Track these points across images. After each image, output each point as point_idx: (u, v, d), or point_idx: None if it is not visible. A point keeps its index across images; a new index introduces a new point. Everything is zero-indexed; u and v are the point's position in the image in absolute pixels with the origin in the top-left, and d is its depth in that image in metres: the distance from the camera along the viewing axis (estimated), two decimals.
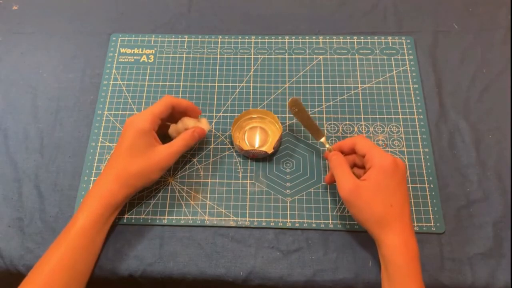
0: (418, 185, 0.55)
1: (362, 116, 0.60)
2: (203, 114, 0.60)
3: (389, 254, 0.44)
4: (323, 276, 0.50)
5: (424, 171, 0.56)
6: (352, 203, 0.46)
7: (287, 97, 0.61)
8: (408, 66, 0.63)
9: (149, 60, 0.65)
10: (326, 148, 0.53)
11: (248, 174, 0.56)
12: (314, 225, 0.53)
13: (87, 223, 0.47)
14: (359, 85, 0.62)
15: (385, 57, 0.64)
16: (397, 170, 0.47)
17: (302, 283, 0.50)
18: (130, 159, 0.49)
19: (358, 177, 0.49)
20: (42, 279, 0.45)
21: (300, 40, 0.66)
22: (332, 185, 0.55)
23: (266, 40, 0.66)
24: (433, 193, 0.55)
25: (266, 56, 0.65)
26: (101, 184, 0.49)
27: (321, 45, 0.65)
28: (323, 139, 0.55)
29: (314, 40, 0.66)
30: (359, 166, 0.52)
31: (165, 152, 0.51)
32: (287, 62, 0.64)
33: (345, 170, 0.48)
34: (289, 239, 0.53)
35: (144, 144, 0.50)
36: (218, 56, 0.65)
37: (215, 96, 0.62)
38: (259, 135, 0.58)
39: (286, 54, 0.65)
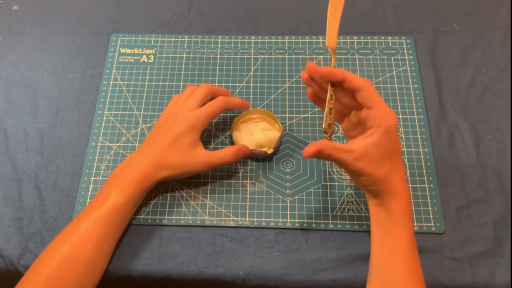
0: (418, 185, 0.55)
1: None
2: None
3: (390, 202, 0.45)
4: (323, 276, 0.50)
5: (424, 171, 0.56)
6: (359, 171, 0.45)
7: (287, 97, 0.61)
8: (408, 66, 0.63)
9: (149, 60, 0.65)
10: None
11: (248, 174, 0.56)
12: (314, 225, 0.53)
13: (123, 201, 0.48)
14: None
15: (385, 57, 0.64)
16: (395, 126, 0.44)
17: (301, 283, 0.50)
18: (170, 151, 0.51)
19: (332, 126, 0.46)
20: (69, 248, 0.45)
21: (300, 40, 0.66)
22: (332, 185, 0.55)
23: (266, 40, 0.66)
24: (433, 193, 0.55)
25: (266, 56, 0.65)
26: (137, 167, 0.50)
27: (321, 45, 0.65)
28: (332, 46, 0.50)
29: (314, 40, 0.66)
30: (341, 111, 0.48)
31: (204, 159, 0.52)
32: (287, 62, 0.64)
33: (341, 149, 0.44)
34: (289, 239, 0.53)
35: (188, 141, 0.51)
36: (218, 56, 0.65)
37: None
38: None
39: (286, 54, 0.65)
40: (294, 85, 0.62)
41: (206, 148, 0.55)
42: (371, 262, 0.47)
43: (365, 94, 0.44)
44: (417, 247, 0.45)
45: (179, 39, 0.67)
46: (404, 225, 0.45)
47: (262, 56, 0.65)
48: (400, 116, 0.59)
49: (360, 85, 0.44)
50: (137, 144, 0.59)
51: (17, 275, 0.51)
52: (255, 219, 0.54)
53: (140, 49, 0.66)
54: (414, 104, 0.60)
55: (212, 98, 0.56)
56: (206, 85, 0.56)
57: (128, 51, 0.66)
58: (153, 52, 0.66)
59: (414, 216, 0.53)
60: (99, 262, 0.47)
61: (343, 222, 0.53)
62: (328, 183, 0.55)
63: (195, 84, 0.63)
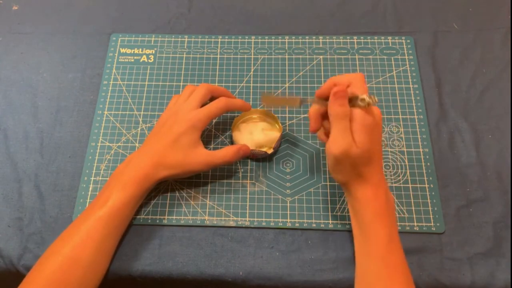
0: (418, 185, 0.55)
1: None
2: None
3: (359, 204, 0.46)
4: (323, 276, 0.50)
5: (424, 171, 0.56)
6: (338, 162, 0.45)
7: (287, 97, 0.61)
8: (408, 66, 0.63)
9: (149, 60, 0.65)
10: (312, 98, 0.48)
11: (248, 174, 0.56)
12: (314, 225, 0.53)
13: (123, 201, 0.48)
14: None
15: (385, 57, 0.64)
16: (377, 127, 0.45)
17: (301, 283, 0.50)
18: (171, 150, 0.51)
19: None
20: (70, 248, 0.45)
21: (300, 40, 0.66)
22: (332, 185, 0.55)
23: (266, 40, 0.66)
24: (433, 193, 0.55)
25: (266, 56, 0.65)
26: (137, 167, 0.50)
27: (321, 45, 0.65)
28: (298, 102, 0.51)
29: (314, 40, 0.66)
30: None
31: (204, 159, 0.52)
32: (287, 62, 0.64)
33: (347, 125, 0.44)
34: (289, 239, 0.53)
35: (188, 141, 0.51)
36: (218, 56, 0.65)
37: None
38: None
39: (286, 54, 0.65)
40: (294, 85, 0.62)
41: (206, 148, 0.55)
42: (355, 263, 0.47)
43: (353, 89, 0.45)
44: (396, 248, 0.45)
45: (179, 39, 0.67)
46: (378, 227, 0.45)
47: (262, 56, 0.65)
48: (400, 116, 0.59)
49: (349, 80, 0.46)
50: (137, 144, 0.59)
51: (17, 275, 0.51)
52: (255, 219, 0.54)
53: (140, 49, 0.66)
54: (414, 104, 0.60)
55: (212, 98, 0.56)
56: (205, 84, 0.56)
57: (128, 51, 0.66)
58: (153, 52, 0.66)
59: (414, 216, 0.53)
60: (100, 262, 0.47)
61: (343, 222, 0.53)
62: (328, 183, 0.55)
63: (195, 84, 0.63)
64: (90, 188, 0.56)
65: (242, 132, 0.58)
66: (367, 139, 0.44)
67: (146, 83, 0.63)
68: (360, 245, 0.47)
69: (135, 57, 0.65)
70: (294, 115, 0.60)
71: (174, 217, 0.54)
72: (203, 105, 0.54)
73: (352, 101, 0.45)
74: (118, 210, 0.48)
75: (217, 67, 0.64)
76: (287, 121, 0.60)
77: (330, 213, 0.54)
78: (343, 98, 0.44)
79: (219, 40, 0.66)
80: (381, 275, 0.44)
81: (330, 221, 0.53)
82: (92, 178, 0.56)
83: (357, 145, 0.44)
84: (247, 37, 0.66)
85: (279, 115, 0.60)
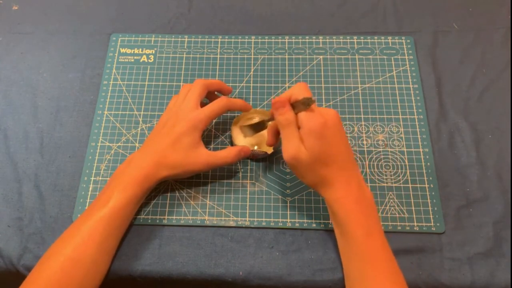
0: (418, 185, 0.55)
1: (362, 116, 0.60)
2: None
3: (331, 206, 0.46)
4: (323, 276, 0.50)
5: (424, 171, 0.56)
6: (294, 168, 0.47)
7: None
8: (408, 66, 0.63)
9: (149, 60, 0.65)
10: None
11: (248, 174, 0.56)
12: (314, 225, 0.53)
13: (124, 202, 0.48)
14: (359, 85, 0.62)
15: (385, 57, 0.64)
16: (327, 129, 0.44)
17: (301, 283, 0.50)
18: (172, 150, 0.51)
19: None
20: (71, 249, 0.45)
21: (300, 40, 0.66)
22: None
23: (266, 40, 0.66)
24: (433, 193, 0.55)
25: (266, 56, 0.65)
26: (138, 167, 0.50)
27: (321, 45, 0.65)
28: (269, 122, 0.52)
29: (314, 40, 0.66)
30: None
31: (205, 159, 0.52)
32: (287, 62, 0.64)
33: (292, 131, 0.45)
34: (289, 239, 0.53)
35: (189, 141, 0.51)
36: (218, 56, 0.65)
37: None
38: None
39: (286, 54, 0.65)
40: (294, 85, 0.62)
41: (206, 148, 0.55)
42: (342, 262, 0.48)
43: (294, 98, 0.46)
44: (378, 244, 0.45)
45: (179, 39, 0.67)
46: (353, 225, 0.45)
47: (262, 56, 0.65)
48: (400, 116, 0.60)
49: (291, 91, 0.47)
50: (137, 144, 0.59)
51: (17, 275, 0.51)
52: (255, 219, 0.54)
53: (140, 49, 0.66)
54: (414, 104, 0.60)
55: (209, 93, 0.57)
56: (200, 81, 0.55)
57: (128, 51, 0.66)
58: (153, 52, 0.66)
59: (414, 216, 0.53)
60: (101, 262, 0.47)
61: None
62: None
63: None
64: (90, 188, 0.56)
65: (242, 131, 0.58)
66: (316, 142, 0.44)
67: (146, 83, 0.63)
68: (340, 243, 0.48)
69: (135, 57, 0.65)
70: None
71: (174, 217, 0.54)
72: (201, 101, 0.54)
73: (296, 107, 0.46)
74: (119, 210, 0.48)
75: (217, 67, 0.64)
76: None
77: None
78: (281, 107, 0.46)
79: (219, 40, 0.66)
80: (363, 271, 0.44)
81: (330, 221, 0.53)
82: (92, 178, 0.56)
83: (306, 149, 0.45)
84: (247, 37, 0.66)
85: None
